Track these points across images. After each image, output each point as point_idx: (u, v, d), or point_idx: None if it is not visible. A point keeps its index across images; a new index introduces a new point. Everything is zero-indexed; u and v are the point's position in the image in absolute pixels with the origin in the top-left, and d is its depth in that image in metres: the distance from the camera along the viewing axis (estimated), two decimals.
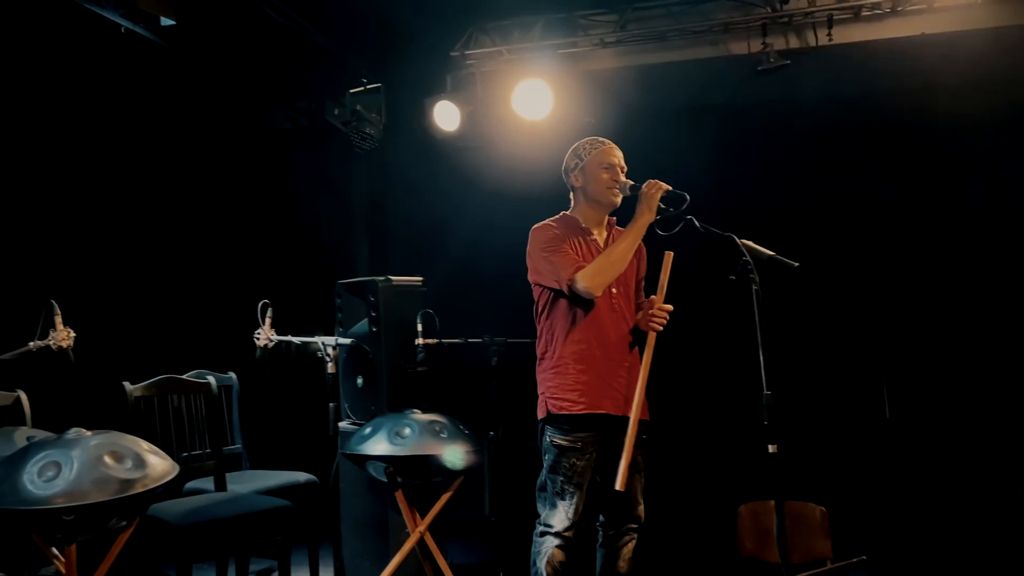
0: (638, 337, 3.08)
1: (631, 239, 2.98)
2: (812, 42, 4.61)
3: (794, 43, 4.66)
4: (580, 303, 2.99)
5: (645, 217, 2.95)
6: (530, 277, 3.12)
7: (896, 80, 4.80)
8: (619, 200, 3.11)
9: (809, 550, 4.25)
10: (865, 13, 4.50)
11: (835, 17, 4.53)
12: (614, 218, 3.21)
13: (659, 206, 2.95)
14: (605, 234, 3.17)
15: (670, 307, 3.01)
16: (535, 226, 3.11)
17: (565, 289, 2.95)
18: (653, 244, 3.05)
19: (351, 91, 5.11)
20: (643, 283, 3.21)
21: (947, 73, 4.51)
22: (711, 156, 5.08)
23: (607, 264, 2.95)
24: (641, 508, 3.11)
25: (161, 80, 4.94)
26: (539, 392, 3.08)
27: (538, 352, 3.13)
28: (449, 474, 3.64)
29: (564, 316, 3.02)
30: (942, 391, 5.07)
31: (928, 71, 4.57)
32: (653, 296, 3.03)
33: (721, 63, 4.80)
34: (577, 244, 3.06)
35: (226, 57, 4.68)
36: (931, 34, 4.42)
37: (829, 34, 4.54)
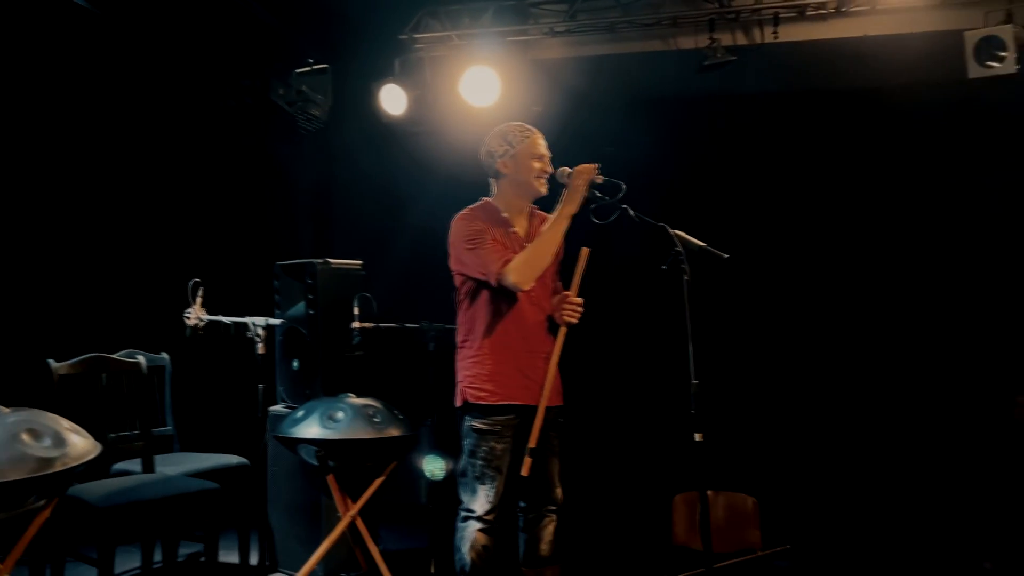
0: (555, 326, 3.09)
1: (557, 231, 2.97)
2: (758, 39, 4.66)
3: (741, 39, 4.70)
4: (503, 294, 2.99)
5: (569, 208, 2.96)
6: (452, 266, 3.10)
7: (838, 80, 4.88)
8: (546, 191, 3.11)
9: (740, 539, 4.34)
10: (810, 12, 4.56)
11: (781, 15, 4.58)
12: (536, 206, 3.20)
13: (595, 194, 2.95)
14: (527, 224, 3.16)
15: (581, 300, 3.03)
16: (458, 216, 3.09)
17: (493, 282, 2.94)
18: (583, 233, 3.04)
19: (297, 71, 5.03)
20: (559, 270, 3.20)
21: (887, 75, 4.59)
22: (656, 148, 5.11)
23: (534, 257, 2.95)
24: (559, 490, 3.12)
25: (93, 50, 4.81)
26: (457, 380, 3.07)
27: (457, 341, 3.12)
28: (382, 459, 3.62)
29: (485, 306, 3.02)
30: (868, 383, 5.18)
31: (869, 72, 4.64)
32: (567, 292, 3.05)
33: (669, 57, 4.82)
34: (498, 234, 3.04)
35: (164, 29, 4.58)
36: (873, 36, 4.49)
37: (775, 32, 4.60)
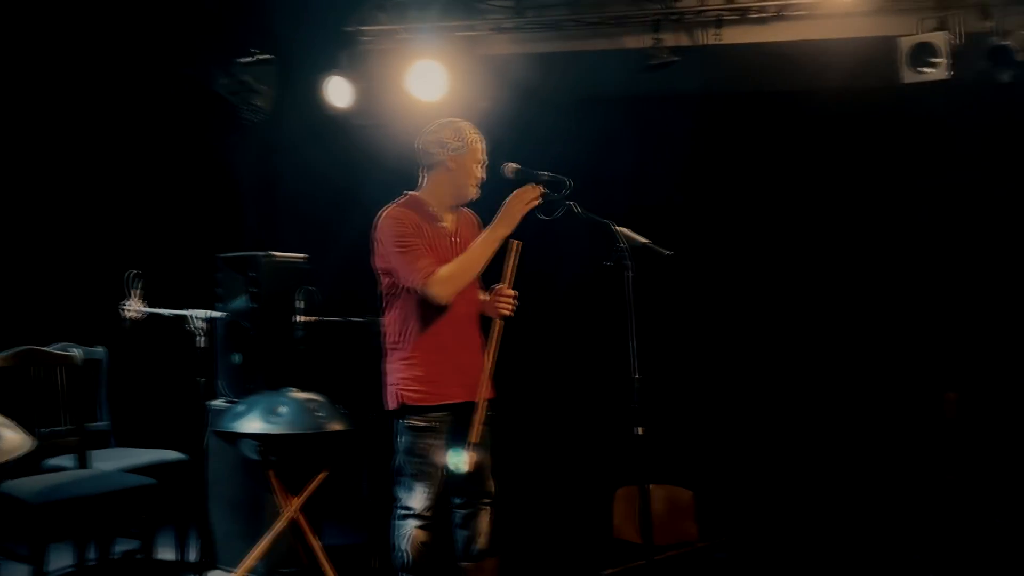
0: (485, 319, 3.09)
1: (486, 251, 2.95)
2: (701, 40, 4.74)
3: (685, 40, 4.77)
4: None
5: (502, 231, 2.94)
6: (378, 263, 3.05)
7: (778, 82, 4.98)
8: (477, 196, 3.10)
9: (677, 532, 4.42)
10: (752, 15, 4.65)
11: (724, 17, 4.67)
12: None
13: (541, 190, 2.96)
14: (454, 219, 3.13)
15: (514, 292, 3.03)
16: (387, 213, 3.04)
17: (415, 290, 2.93)
18: (530, 228, 3.05)
19: (240, 61, 4.96)
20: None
21: (825, 78, 4.70)
22: (601, 146, 5.16)
23: (460, 273, 2.93)
24: (492, 482, 3.13)
25: (27, 35, 4.67)
26: (388, 382, 3.04)
27: (387, 342, 3.07)
28: (324, 454, 3.60)
29: (415, 306, 2.99)
30: (804, 380, 5.31)
31: (808, 75, 4.75)
32: (501, 285, 3.04)
33: (615, 56, 4.87)
34: (427, 232, 3.01)
35: (103, 14, 4.47)
36: (812, 40, 4.60)
37: (717, 33, 4.68)
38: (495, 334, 3.03)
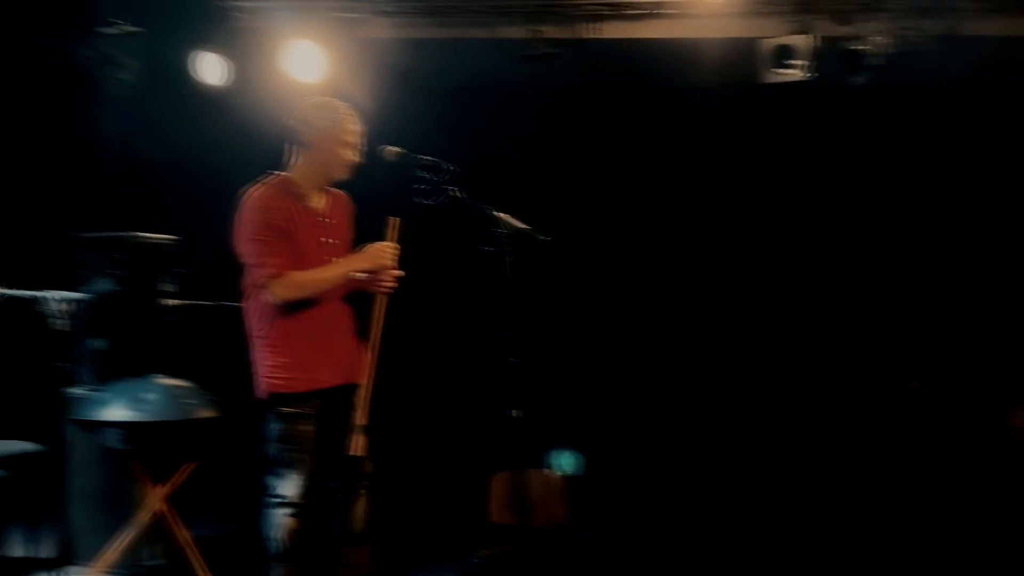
0: (356, 301, 3.07)
1: (335, 279, 2.94)
2: (579, 34, 4.84)
3: (563, 33, 4.86)
4: None
5: (358, 266, 2.95)
6: (236, 246, 2.98)
7: (651, 77, 5.13)
8: (348, 177, 3.07)
9: (550, 514, 4.53)
10: (627, 12, 4.79)
11: (601, 13, 4.78)
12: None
13: (421, 174, 2.95)
14: (324, 199, 3.08)
15: (399, 272, 3.02)
16: (253, 194, 2.96)
17: (257, 282, 2.89)
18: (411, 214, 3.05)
19: (105, 32, 4.71)
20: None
21: (693, 75, 4.87)
22: (478, 135, 5.18)
23: (306, 287, 2.89)
24: (368, 464, 3.10)
25: None
26: (256, 370, 2.98)
27: (251, 329, 3.01)
28: (193, 442, 3.50)
29: None
30: (668, 364, 5.52)
31: (678, 72, 4.91)
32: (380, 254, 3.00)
33: (493, 45, 4.91)
34: (291, 211, 2.95)
35: None
36: (683, 38, 4.77)
37: (595, 28, 4.79)
38: (378, 314, 3.01)
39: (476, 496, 4.60)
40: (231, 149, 5.09)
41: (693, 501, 5.04)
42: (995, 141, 5.18)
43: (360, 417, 2.92)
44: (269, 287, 2.84)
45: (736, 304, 5.53)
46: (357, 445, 2.91)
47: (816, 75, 4.60)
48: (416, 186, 2.97)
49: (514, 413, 2.80)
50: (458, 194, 2.97)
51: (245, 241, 2.91)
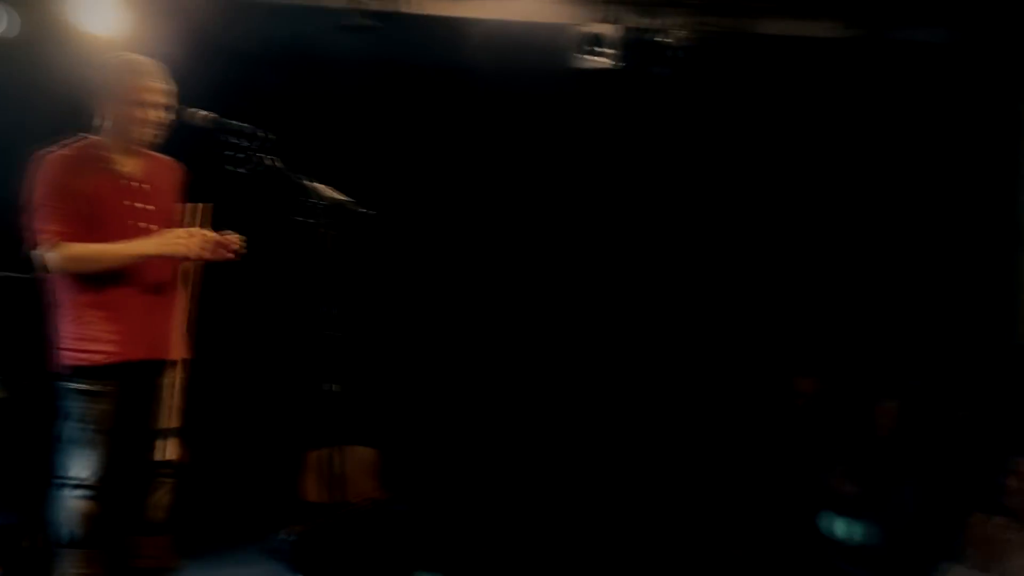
0: (177, 272, 2.96)
1: (128, 259, 2.79)
2: (397, 7, 4.78)
3: (381, 5, 4.78)
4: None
5: (150, 250, 2.81)
6: (24, 212, 2.81)
7: (467, 56, 5.15)
8: (154, 138, 2.92)
9: (363, 490, 4.53)
10: None
11: None
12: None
13: (229, 140, 2.82)
14: (138, 162, 2.94)
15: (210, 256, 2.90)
16: (52, 155, 2.80)
17: (33, 248, 2.74)
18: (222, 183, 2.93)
19: None
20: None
21: (506, 58, 4.92)
22: (294, 103, 5.03)
23: (90, 259, 2.76)
24: (174, 450, 2.95)
25: None
26: (54, 341, 2.81)
27: (52, 296, 2.84)
28: None
29: None
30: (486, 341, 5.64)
31: (491, 53, 4.96)
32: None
33: (309, 12, 4.77)
34: (91, 175, 2.81)
35: None
36: (497, 19, 4.84)
37: (414, 2, 4.76)
38: (184, 283, 2.88)
39: (290, 475, 4.52)
40: (18, 109, 4.65)
41: (504, 474, 5.19)
42: (781, 134, 5.65)
43: (171, 418, 2.78)
44: (46, 255, 2.69)
45: (547, 280, 5.70)
46: (166, 449, 2.78)
47: (623, 64, 4.81)
48: (227, 153, 2.85)
49: (332, 388, 2.77)
50: (272, 163, 2.87)
51: (30, 207, 2.73)
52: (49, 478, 2.82)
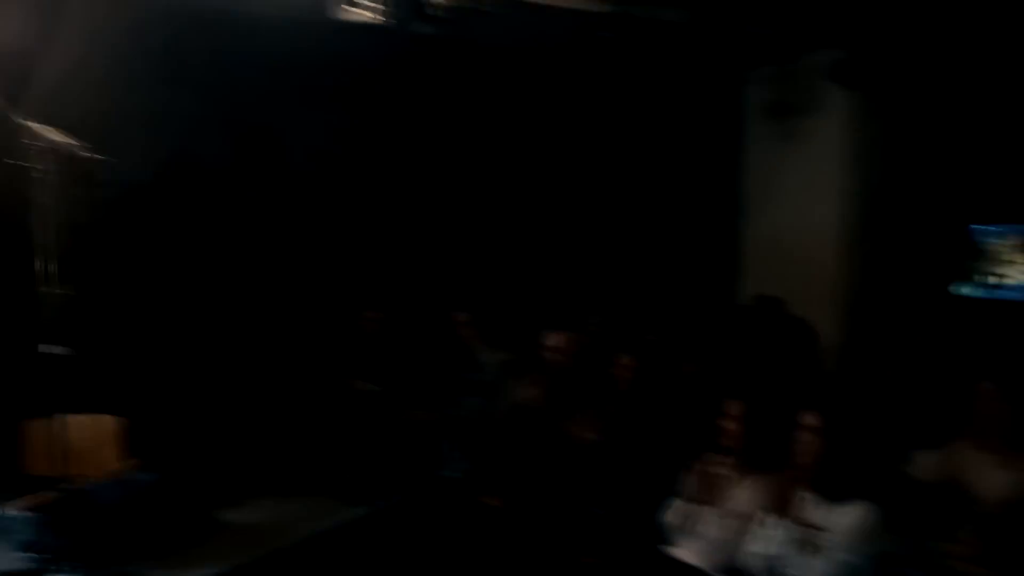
0: None
1: None
2: None
3: None
4: None
5: None
6: None
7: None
8: None
9: (101, 461, 4.19)
10: None
11: None
12: None
13: None
14: None
15: None
16: None
17: None
18: None
19: None
20: None
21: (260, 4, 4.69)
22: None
23: None
24: None
25: None
26: None
27: None
28: None
29: None
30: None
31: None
32: None
33: None
34: None
35: None
36: None
37: None
38: None
39: (9, 446, 4.09)
40: None
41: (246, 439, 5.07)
42: (530, 96, 5.84)
43: None
44: None
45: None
46: None
47: (388, 20, 4.72)
48: None
49: (55, 351, 2.53)
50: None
51: None
52: None
